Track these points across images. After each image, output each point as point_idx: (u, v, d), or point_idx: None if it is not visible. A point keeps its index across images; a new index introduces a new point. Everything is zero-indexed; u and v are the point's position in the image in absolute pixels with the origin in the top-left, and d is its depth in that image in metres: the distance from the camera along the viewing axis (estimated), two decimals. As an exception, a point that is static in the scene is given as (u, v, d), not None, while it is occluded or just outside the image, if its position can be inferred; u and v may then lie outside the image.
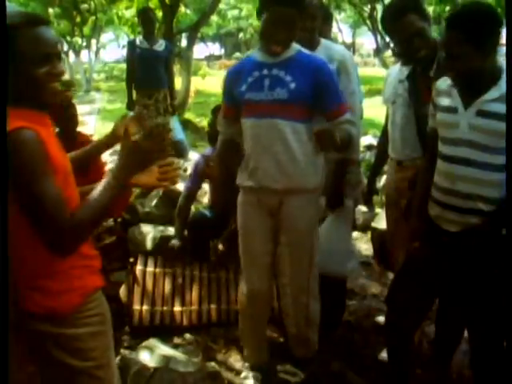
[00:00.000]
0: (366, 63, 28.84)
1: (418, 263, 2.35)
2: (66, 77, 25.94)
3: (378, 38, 19.34)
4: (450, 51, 2.10)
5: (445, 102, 2.23)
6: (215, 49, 43.21)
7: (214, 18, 23.94)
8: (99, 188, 1.58)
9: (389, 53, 18.95)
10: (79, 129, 3.59)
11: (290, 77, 2.48)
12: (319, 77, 2.50)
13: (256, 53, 2.63)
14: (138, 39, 5.93)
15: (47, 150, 1.50)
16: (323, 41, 2.95)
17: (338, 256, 3.01)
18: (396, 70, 2.95)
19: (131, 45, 6.05)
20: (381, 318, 3.38)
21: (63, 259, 1.59)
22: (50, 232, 1.49)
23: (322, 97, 2.52)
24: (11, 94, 1.50)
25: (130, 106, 5.99)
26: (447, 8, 12.96)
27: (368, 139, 7.90)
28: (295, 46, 2.56)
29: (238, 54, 29.55)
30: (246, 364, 2.98)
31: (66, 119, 3.37)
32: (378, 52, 20.66)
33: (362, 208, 5.12)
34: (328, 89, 2.53)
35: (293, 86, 2.47)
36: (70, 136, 3.35)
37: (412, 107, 2.75)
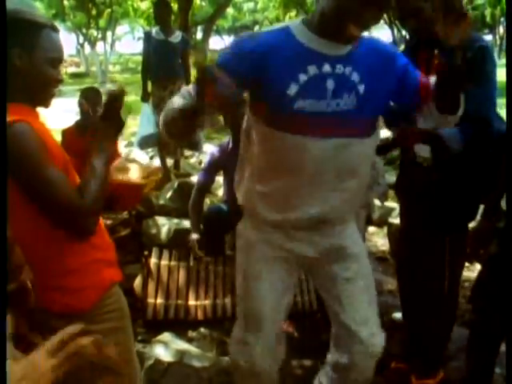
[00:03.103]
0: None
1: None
2: (81, 68, 26.15)
3: (395, 31, 19.19)
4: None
5: None
6: (230, 41, 43.19)
7: (230, 10, 23.90)
8: (90, 164, 1.57)
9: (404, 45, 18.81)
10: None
11: (357, 75, 1.73)
12: (393, 64, 1.83)
13: (303, 33, 1.72)
14: (155, 30, 5.90)
15: (43, 139, 1.50)
16: None
17: None
18: None
19: (147, 36, 6.02)
20: (397, 315, 3.33)
21: (79, 254, 1.59)
22: (69, 214, 1.48)
23: (403, 87, 1.84)
24: (8, 83, 1.51)
25: (145, 97, 5.97)
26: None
27: (385, 132, 7.81)
28: None
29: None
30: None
31: None
32: (394, 45, 20.52)
33: (378, 203, 5.08)
34: (407, 71, 1.85)
35: (362, 88, 1.74)
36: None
37: None
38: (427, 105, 1.82)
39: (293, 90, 1.68)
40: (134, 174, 1.88)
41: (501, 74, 2.29)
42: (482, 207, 2.49)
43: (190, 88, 1.72)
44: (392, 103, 1.95)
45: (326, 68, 1.70)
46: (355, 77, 1.73)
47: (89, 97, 4.05)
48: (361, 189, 1.98)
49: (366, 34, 1.75)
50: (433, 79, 1.82)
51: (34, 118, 1.59)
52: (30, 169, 1.45)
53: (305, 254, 1.98)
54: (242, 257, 2.09)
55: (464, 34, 1.65)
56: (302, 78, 1.68)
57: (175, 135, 1.79)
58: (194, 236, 3.59)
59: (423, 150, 2.53)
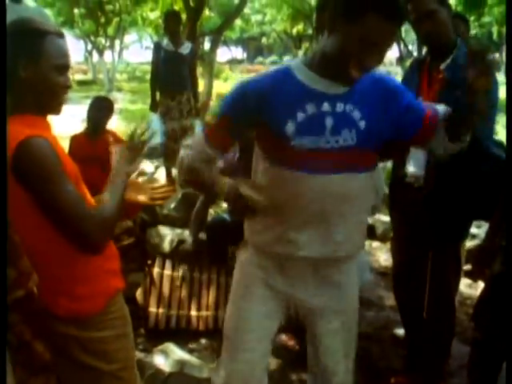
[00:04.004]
0: (389, 72, 28.72)
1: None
2: (89, 76, 26.28)
3: (401, 46, 19.24)
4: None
5: None
6: (238, 52, 43.37)
7: (238, 21, 24.00)
8: (108, 187, 1.64)
9: (411, 60, 18.85)
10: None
11: (358, 112, 1.73)
12: (396, 98, 1.81)
13: (302, 73, 1.74)
14: (165, 41, 5.94)
15: (58, 155, 1.52)
16: None
17: None
18: None
19: (157, 46, 6.07)
20: (399, 331, 3.33)
21: (88, 263, 1.62)
22: (81, 230, 1.49)
23: (404, 120, 1.82)
24: (17, 99, 1.56)
25: (153, 107, 6.00)
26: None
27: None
28: None
29: (260, 59, 29.59)
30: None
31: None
32: (401, 60, 20.55)
33: (382, 217, 5.08)
34: (410, 104, 1.84)
35: (363, 124, 1.73)
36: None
37: None
38: (435, 137, 1.83)
39: (290, 128, 1.70)
40: (145, 194, 1.90)
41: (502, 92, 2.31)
42: (484, 228, 2.50)
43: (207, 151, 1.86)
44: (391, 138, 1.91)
45: (325, 106, 1.71)
46: (356, 114, 1.73)
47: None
48: (363, 225, 1.96)
49: (382, 60, 1.73)
50: (439, 108, 1.84)
51: (47, 130, 1.62)
52: (44, 185, 1.46)
53: (293, 294, 1.95)
54: (235, 277, 2.10)
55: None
56: (300, 116, 1.70)
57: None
58: (188, 246, 3.62)
59: (417, 166, 2.55)
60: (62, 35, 1.63)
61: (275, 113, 1.72)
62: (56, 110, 1.65)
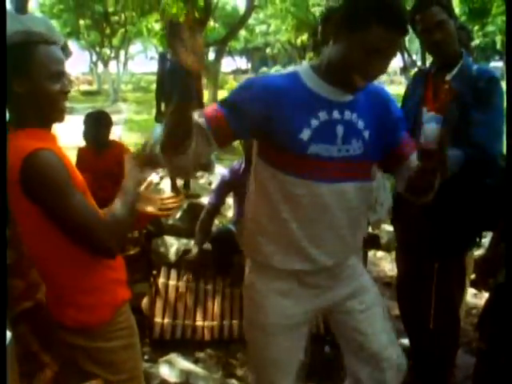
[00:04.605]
0: (392, 81, 28.76)
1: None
2: (94, 87, 26.38)
3: (405, 56, 19.30)
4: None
5: None
6: (242, 63, 43.50)
7: (242, 32, 24.12)
8: (120, 193, 1.65)
9: (415, 71, 18.90)
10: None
11: (362, 122, 1.76)
12: (389, 110, 1.86)
13: (311, 79, 1.74)
14: (170, 52, 5.97)
15: (66, 167, 1.54)
16: None
17: None
18: None
19: (162, 57, 6.10)
20: (404, 341, 3.32)
21: (96, 274, 1.64)
22: (95, 237, 1.51)
23: (392, 132, 1.86)
24: (19, 114, 1.57)
25: (159, 117, 6.03)
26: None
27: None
28: None
29: (264, 69, 29.65)
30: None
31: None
32: (404, 70, 20.59)
33: (386, 227, 5.08)
34: (399, 121, 1.89)
35: (367, 134, 1.76)
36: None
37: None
38: (401, 169, 1.86)
39: (306, 134, 1.68)
40: (153, 206, 1.92)
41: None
42: (488, 237, 2.50)
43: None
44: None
45: (336, 114, 1.72)
46: (360, 123, 1.75)
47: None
48: (364, 229, 2.03)
49: (386, 69, 1.77)
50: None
51: (52, 142, 1.63)
52: (55, 197, 1.48)
53: (319, 305, 1.95)
54: (251, 307, 1.99)
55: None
56: (314, 123, 1.69)
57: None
58: (192, 256, 3.61)
59: None
60: (50, 42, 1.60)
61: (287, 117, 1.69)
62: (59, 118, 1.65)
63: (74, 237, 1.53)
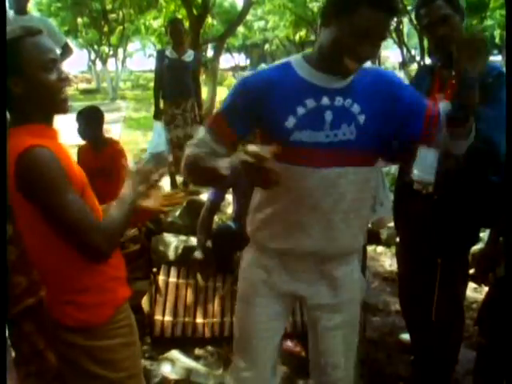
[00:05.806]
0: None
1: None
2: (93, 85, 26.37)
3: (404, 51, 19.26)
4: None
5: None
6: (241, 59, 43.40)
7: (241, 29, 24.08)
8: (118, 201, 1.65)
9: (414, 66, 18.85)
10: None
11: (358, 106, 1.75)
12: (397, 96, 1.81)
13: (303, 68, 1.77)
14: (168, 49, 5.97)
15: (62, 164, 1.51)
16: None
17: None
18: None
19: (160, 55, 6.10)
20: (405, 336, 3.32)
21: (96, 272, 1.63)
22: (86, 241, 1.51)
23: (407, 119, 1.82)
24: (20, 113, 1.56)
25: (157, 115, 6.03)
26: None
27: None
28: None
29: (263, 65, 29.54)
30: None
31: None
32: (403, 65, 20.55)
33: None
34: (414, 106, 1.83)
35: (362, 119, 1.75)
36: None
37: None
38: (437, 135, 1.82)
39: (290, 122, 1.72)
40: (155, 201, 1.91)
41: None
42: (487, 231, 2.49)
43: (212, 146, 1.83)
44: (394, 137, 1.91)
45: (325, 101, 1.73)
46: (355, 108, 1.75)
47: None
48: (363, 220, 1.97)
49: (377, 52, 1.77)
50: (442, 105, 1.83)
51: (52, 139, 1.60)
52: (48, 195, 1.47)
53: (296, 291, 1.97)
54: (240, 280, 2.09)
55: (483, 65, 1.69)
56: (300, 110, 1.72)
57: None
58: (198, 255, 3.60)
59: (425, 172, 2.54)
60: (34, 32, 1.56)
61: (275, 107, 1.74)
62: (61, 109, 1.62)
63: (64, 236, 1.52)
